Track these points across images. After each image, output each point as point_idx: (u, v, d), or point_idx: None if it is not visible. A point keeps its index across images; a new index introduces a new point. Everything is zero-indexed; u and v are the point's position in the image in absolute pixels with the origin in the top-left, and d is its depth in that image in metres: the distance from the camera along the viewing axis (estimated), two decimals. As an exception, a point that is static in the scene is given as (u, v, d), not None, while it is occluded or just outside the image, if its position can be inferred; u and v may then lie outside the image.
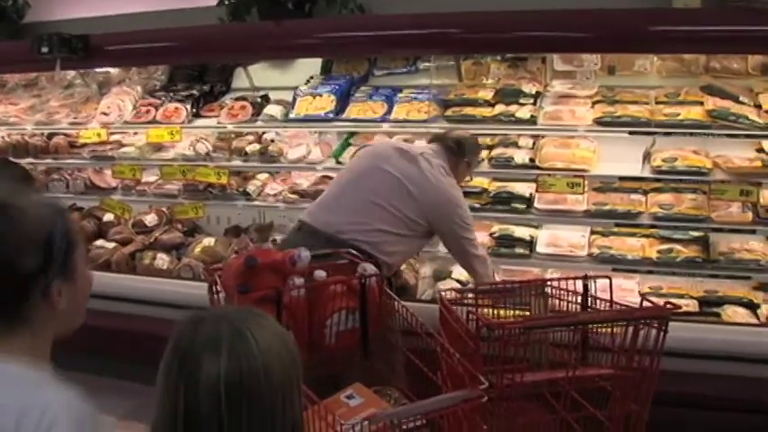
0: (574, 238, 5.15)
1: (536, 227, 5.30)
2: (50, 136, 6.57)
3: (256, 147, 5.84)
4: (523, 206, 5.11)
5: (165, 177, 6.08)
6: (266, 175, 6.08)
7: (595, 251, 4.99)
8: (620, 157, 5.13)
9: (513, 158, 5.16)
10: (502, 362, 2.91)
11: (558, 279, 3.72)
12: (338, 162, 5.63)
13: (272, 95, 6.18)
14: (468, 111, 5.28)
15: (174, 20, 5.89)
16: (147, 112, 6.24)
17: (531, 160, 5.14)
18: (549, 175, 4.97)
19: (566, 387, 3.10)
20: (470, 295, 3.80)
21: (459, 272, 5.14)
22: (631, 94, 5.19)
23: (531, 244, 5.14)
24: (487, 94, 5.37)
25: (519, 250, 5.12)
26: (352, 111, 5.57)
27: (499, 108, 5.25)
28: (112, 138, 6.37)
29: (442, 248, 5.05)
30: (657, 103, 5.09)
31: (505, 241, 5.13)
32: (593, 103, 5.18)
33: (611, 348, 3.12)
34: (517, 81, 5.49)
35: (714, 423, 4.31)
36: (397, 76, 5.95)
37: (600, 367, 3.17)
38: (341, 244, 3.94)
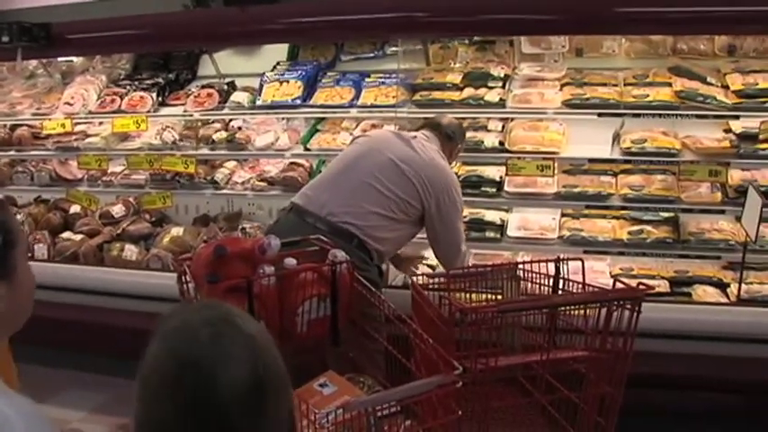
0: (544, 221, 5.15)
1: (506, 210, 5.30)
2: (13, 127, 6.47)
3: (223, 134, 5.78)
4: (493, 190, 5.10)
5: (132, 167, 6.00)
6: (234, 163, 6.02)
7: (566, 233, 4.99)
8: (590, 140, 5.12)
9: (482, 142, 5.15)
10: (476, 346, 2.89)
11: (530, 262, 3.72)
12: (306, 149, 5.58)
13: (239, 82, 6.12)
14: (437, 95, 5.25)
15: (139, 7, 5.78)
16: (112, 101, 6.15)
17: (501, 144, 5.12)
18: (519, 158, 4.96)
19: (540, 370, 3.09)
20: (442, 280, 3.79)
21: (430, 255, 5.11)
22: (600, 76, 5.19)
23: (501, 228, 5.13)
24: (456, 78, 5.34)
25: (490, 234, 5.10)
26: (320, 97, 5.53)
27: (468, 92, 5.22)
28: (77, 128, 6.26)
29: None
30: (626, 84, 5.09)
31: (476, 225, 5.11)
32: (562, 86, 5.16)
33: (585, 330, 3.12)
34: (485, 64, 5.46)
35: (686, 402, 4.35)
36: (364, 61, 5.92)
37: (574, 350, 3.16)
38: (331, 226, 3.94)
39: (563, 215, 5.22)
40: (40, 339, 4.62)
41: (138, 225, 5.97)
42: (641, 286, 3.13)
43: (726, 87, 4.88)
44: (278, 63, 6.04)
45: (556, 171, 4.97)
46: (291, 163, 5.70)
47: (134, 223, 5.98)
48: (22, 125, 6.45)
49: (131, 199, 6.24)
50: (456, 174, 5.03)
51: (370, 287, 3.39)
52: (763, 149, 4.68)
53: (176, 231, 5.77)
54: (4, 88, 6.81)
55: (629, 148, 4.89)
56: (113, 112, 6.08)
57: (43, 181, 6.35)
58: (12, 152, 6.42)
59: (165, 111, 6.11)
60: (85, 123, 6.36)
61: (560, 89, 5.14)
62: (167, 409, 1.44)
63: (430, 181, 4.08)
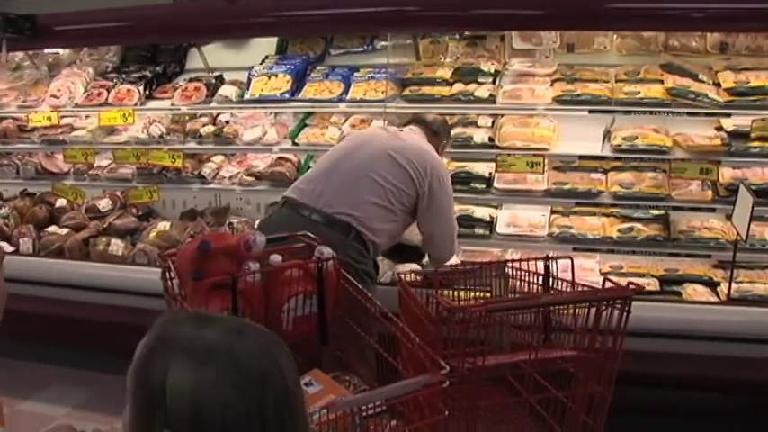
0: (534, 218, 5.12)
1: (496, 207, 5.25)
2: (-2, 120, 6.39)
3: (211, 129, 5.74)
4: (483, 186, 5.07)
5: (119, 161, 5.94)
6: (222, 158, 5.97)
7: (555, 231, 4.96)
8: (580, 136, 5.09)
9: (471, 138, 5.11)
10: (463, 345, 2.85)
11: (519, 260, 3.68)
12: (294, 143, 5.54)
13: (227, 76, 6.07)
14: (426, 90, 5.21)
15: (127, -2, 5.74)
16: (99, 94, 6.09)
17: (491, 140, 5.08)
18: (509, 154, 4.92)
19: (528, 369, 3.06)
20: (430, 277, 3.75)
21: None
22: (591, 73, 5.16)
23: (490, 224, 5.10)
24: (446, 73, 5.30)
25: (479, 231, 5.07)
26: (309, 91, 5.48)
27: (458, 87, 5.18)
28: (63, 121, 6.20)
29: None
30: (617, 81, 5.07)
31: (465, 222, 5.05)
32: (553, 82, 5.13)
33: (574, 329, 3.08)
34: (476, 60, 5.42)
35: (677, 402, 4.32)
36: (353, 55, 5.87)
37: (563, 349, 3.13)
38: (328, 218, 3.91)
39: (553, 212, 5.19)
40: (23, 334, 4.59)
41: (125, 219, 5.90)
42: (631, 285, 3.08)
43: (717, 85, 4.85)
44: (266, 57, 5.98)
45: (546, 168, 4.94)
46: (279, 158, 5.65)
47: (120, 218, 5.91)
48: (7, 118, 6.37)
49: (118, 193, 6.16)
50: (445, 170, 5.02)
51: (357, 284, 3.35)
52: (755, 148, 4.66)
53: (163, 226, 5.71)
54: (-11, 81, 6.73)
55: (619, 145, 4.86)
56: (100, 106, 6.03)
57: (29, 174, 6.29)
58: (-3, 145, 6.34)
59: (152, 104, 6.05)
60: (72, 116, 6.31)
61: (551, 85, 5.11)
62: None
63: (422, 166, 4.06)
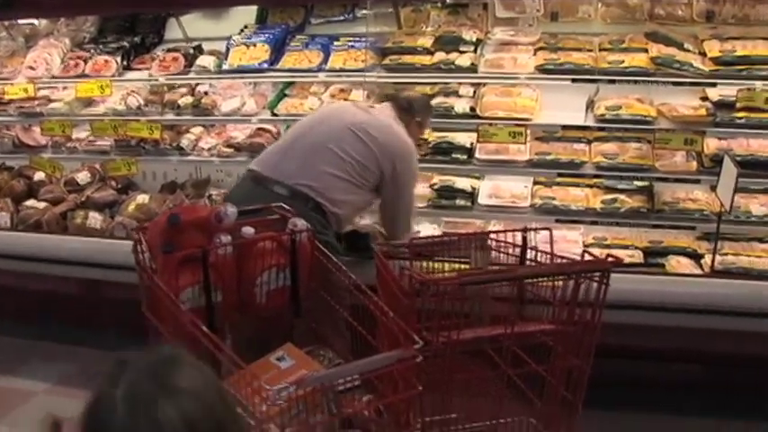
0: (516, 189, 5.06)
1: (478, 178, 5.19)
2: (-27, 93, 6.28)
3: (189, 99, 5.65)
4: (464, 157, 5.01)
5: (96, 133, 5.85)
6: (200, 129, 5.88)
7: (538, 202, 4.91)
8: (563, 106, 5.03)
9: (453, 108, 5.03)
10: (439, 318, 2.79)
11: (497, 231, 3.62)
12: (273, 114, 5.47)
13: (206, 46, 5.97)
14: (407, 59, 5.13)
15: (104, -33, 5.64)
16: (76, 65, 5.99)
17: (472, 109, 5.01)
18: (491, 124, 4.86)
19: (506, 343, 3.00)
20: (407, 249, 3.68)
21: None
22: (574, 41, 5.08)
23: (472, 195, 5.04)
24: (427, 42, 5.21)
25: (460, 202, 5.02)
26: (288, 60, 5.40)
27: (439, 56, 5.10)
28: (40, 93, 6.09)
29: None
30: (601, 50, 4.99)
31: (446, 193, 5.04)
32: (536, 51, 5.05)
33: (552, 302, 3.02)
34: (458, 28, 5.33)
35: (658, 374, 4.30)
36: (334, 24, 5.78)
37: (541, 323, 3.07)
38: (289, 188, 3.87)
39: (535, 183, 5.13)
40: (1, 309, 4.54)
41: (103, 192, 5.81)
42: (609, 258, 3.02)
43: (703, 54, 4.79)
44: (245, 26, 5.88)
45: (528, 138, 4.90)
46: (258, 128, 5.57)
47: (99, 190, 5.83)
48: (-18, 90, 6.25)
49: (97, 166, 6.07)
50: (425, 140, 4.96)
51: (332, 256, 3.30)
52: (740, 118, 4.62)
53: (142, 199, 5.63)
54: (-35, 52, 6.61)
55: (603, 115, 4.80)
56: (77, 77, 5.93)
57: (6, 148, 6.19)
58: (-27, 118, 6.23)
59: (129, 75, 5.96)
60: (49, 88, 6.19)
61: (534, 54, 5.03)
62: None
63: (386, 144, 4.02)
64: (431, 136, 5.11)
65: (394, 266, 3.24)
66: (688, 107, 4.78)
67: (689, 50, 4.78)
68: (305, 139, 4.07)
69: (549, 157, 4.88)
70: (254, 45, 5.51)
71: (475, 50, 5.12)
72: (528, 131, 4.84)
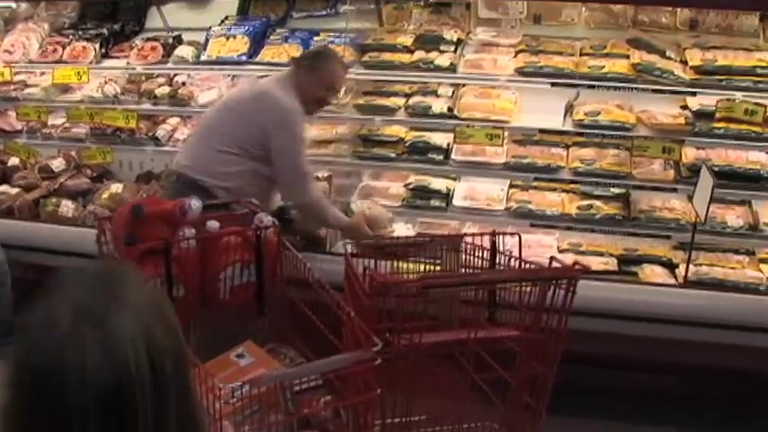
0: (492, 192, 5.02)
1: (454, 179, 5.15)
2: (-51, 75, 6.18)
3: (166, 90, 5.57)
4: (440, 157, 4.95)
5: (72, 120, 5.79)
6: (177, 120, 5.81)
7: (513, 205, 4.87)
8: (542, 109, 4.99)
9: (430, 107, 4.97)
10: (401, 321, 2.75)
11: (465, 234, 3.61)
12: (251, 107, 5.37)
13: (186, 36, 5.89)
14: (387, 56, 5.07)
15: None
16: (54, 51, 5.92)
17: (450, 110, 4.95)
18: (468, 125, 4.80)
19: (471, 347, 2.96)
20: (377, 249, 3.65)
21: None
22: (556, 45, 5.03)
23: (447, 196, 5.00)
24: (407, 40, 5.16)
25: (435, 203, 4.98)
26: (267, 54, 5.32)
27: (418, 54, 5.05)
28: (17, 78, 5.99)
29: (355, 199, 4.95)
30: (582, 54, 4.94)
31: (421, 193, 5.00)
32: (517, 53, 4.99)
33: (519, 308, 2.98)
34: (439, 27, 5.27)
35: (626, 383, 4.29)
36: (316, 18, 5.70)
37: (507, 328, 3.03)
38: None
39: (511, 186, 5.08)
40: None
41: (77, 180, 5.75)
42: (577, 266, 2.98)
43: (684, 63, 4.75)
44: (226, 17, 5.81)
45: (505, 140, 4.85)
46: (235, 121, 5.48)
47: (72, 178, 5.76)
48: (-42, 73, 6.16)
49: (73, 153, 6.00)
50: (402, 139, 4.95)
51: (298, 254, 3.27)
52: (719, 128, 4.58)
53: (116, 188, 5.57)
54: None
55: (581, 120, 4.76)
56: (54, 62, 5.86)
57: (-20, 132, 6.10)
58: (-53, 101, 6.14)
59: (107, 63, 5.89)
60: (26, 73, 6.09)
61: (515, 56, 4.98)
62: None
63: (259, 111, 4.17)
64: (407, 135, 5.08)
65: (359, 266, 3.19)
66: (668, 115, 4.75)
67: (671, 58, 4.75)
68: (200, 125, 4.45)
69: (525, 161, 4.84)
70: (234, 37, 5.44)
71: (455, 50, 5.06)
72: (505, 134, 4.79)
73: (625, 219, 4.76)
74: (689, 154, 4.72)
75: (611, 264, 4.64)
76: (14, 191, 5.69)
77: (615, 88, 4.73)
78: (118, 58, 5.88)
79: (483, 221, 4.80)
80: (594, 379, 4.10)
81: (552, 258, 3.15)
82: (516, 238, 3.41)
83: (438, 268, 3.58)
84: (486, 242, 3.44)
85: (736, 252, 4.75)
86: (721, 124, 4.58)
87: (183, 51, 5.59)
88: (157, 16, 6.24)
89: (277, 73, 4.47)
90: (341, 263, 3.36)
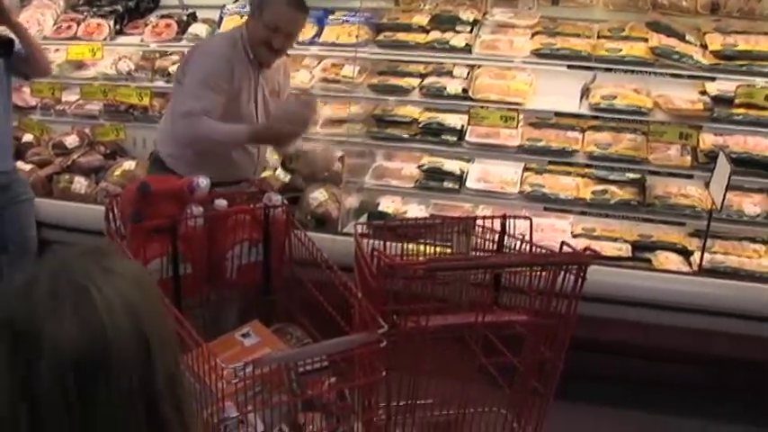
0: (506, 175, 4.96)
1: (467, 161, 5.10)
2: (-37, 52, 6.17)
3: (180, 67, 5.54)
4: (454, 138, 4.90)
5: (86, 97, 5.80)
6: (190, 98, 5.77)
7: (527, 189, 4.82)
8: (558, 92, 4.92)
9: (445, 88, 4.92)
10: (408, 303, 2.71)
11: (476, 217, 3.55)
12: (264, 86, 5.33)
13: (201, 14, 5.85)
14: (401, 36, 5.02)
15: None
16: (69, 27, 5.92)
17: (464, 91, 4.90)
18: (483, 107, 4.75)
19: (479, 331, 2.92)
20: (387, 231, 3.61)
21: (386, 204, 5.01)
22: (574, 27, 4.96)
23: (461, 178, 4.95)
24: (423, 20, 5.10)
25: (448, 184, 4.93)
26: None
27: (434, 35, 4.99)
28: (31, 54, 5.99)
29: (368, 179, 4.90)
30: (600, 37, 4.88)
31: (434, 174, 4.95)
32: (533, 34, 4.93)
33: (528, 292, 2.94)
34: (455, 7, 5.20)
35: (638, 371, 4.25)
36: (332, -4, 5.63)
37: (514, 312, 2.99)
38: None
39: (525, 169, 5.02)
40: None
41: (90, 157, 5.74)
42: (588, 251, 2.93)
43: (704, 47, 4.67)
44: (241, -6, 5.76)
45: (520, 123, 4.79)
46: (248, 100, 5.46)
47: (85, 155, 5.75)
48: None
49: (86, 130, 6.00)
50: (416, 120, 4.95)
51: (306, 234, 3.22)
52: (738, 114, 4.50)
53: (128, 165, 5.57)
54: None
55: (598, 103, 4.69)
56: (69, 39, 5.86)
57: (-6, 108, 6.09)
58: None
59: (121, 40, 5.88)
60: (41, 49, 6.08)
61: (531, 37, 4.92)
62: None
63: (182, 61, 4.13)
64: (421, 116, 5.03)
65: (368, 247, 3.16)
66: (685, 100, 4.68)
67: (690, 42, 4.67)
68: None
69: (540, 144, 4.79)
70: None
71: (471, 31, 5.01)
72: (520, 116, 4.73)
73: (640, 204, 4.69)
74: (706, 140, 4.64)
75: (625, 250, 4.60)
76: (28, 167, 5.68)
77: (633, 72, 4.66)
78: (132, 35, 5.87)
79: (496, 204, 4.75)
80: (604, 366, 4.06)
81: (563, 243, 3.10)
82: (528, 221, 3.38)
83: (449, 250, 3.54)
84: (497, 225, 3.39)
85: (753, 240, 4.67)
86: (740, 110, 4.50)
87: (198, 29, 5.56)
88: (173, -7, 6.19)
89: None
90: (352, 244, 3.34)
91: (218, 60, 3.82)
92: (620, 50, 4.66)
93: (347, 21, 5.19)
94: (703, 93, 4.73)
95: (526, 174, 4.98)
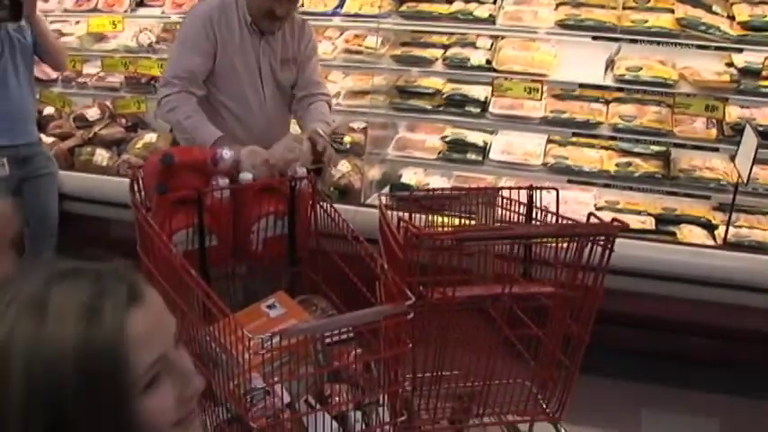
0: (529, 146, 4.93)
1: (491, 132, 5.07)
2: (-16, 25, 6.17)
3: (201, 39, 5.52)
4: (478, 110, 4.87)
5: (107, 69, 5.79)
6: (212, 69, 5.75)
7: (551, 161, 4.79)
8: (582, 64, 4.87)
9: (468, 59, 4.89)
10: (434, 274, 2.70)
11: (501, 188, 3.52)
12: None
13: (223, -16, 5.80)
14: (424, 7, 4.99)
15: None
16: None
17: (488, 62, 4.87)
18: (506, 78, 4.71)
19: (505, 302, 2.90)
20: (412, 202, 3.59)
21: (409, 176, 5.00)
22: (599, -3, 4.90)
23: (484, 150, 4.92)
24: (446, -10, 5.06)
25: (471, 156, 4.90)
26: (303, 3, 5.21)
27: (457, 5, 4.96)
28: (52, 27, 5.91)
29: (391, 151, 4.87)
30: (625, 8, 4.82)
31: (458, 146, 4.92)
32: (558, 5, 4.88)
33: (554, 264, 2.92)
34: (479, -22, 5.16)
35: (663, 344, 4.22)
36: (353, -34, 5.58)
37: (541, 284, 2.97)
38: None
39: (549, 141, 5.00)
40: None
41: (111, 129, 5.75)
42: (615, 222, 2.90)
43: (731, 18, 4.61)
44: (264, -34, 5.70)
45: (544, 94, 4.75)
46: (270, 72, 5.43)
47: (107, 127, 5.76)
48: (-6, 21, 6.14)
49: (108, 102, 6.00)
50: (439, 91, 4.92)
51: (332, 205, 3.20)
52: (765, 87, 4.45)
53: (150, 137, 5.57)
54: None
55: (622, 75, 4.65)
56: (89, 11, 5.84)
57: (16, 81, 6.09)
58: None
59: (142, 11, 5.86)
60: (61, 22, 6.10)
61: (555, 8, 4.87)
62: None
63: None
64: (445, 87, 5.01)
65: (393, 218, 3.14)
66: (712, 72, 4.62)
67: (717, 13, 4.61)
68: None
69: (564, 116, 4.75)
70: (269, -15, 5.34)
71: (495, 1, 4.97)
72: (544, 88, 4.69)
73: (664, 177, 4.66)
74: (732, 113, 4.59)
75: (649, 223, 4.56)
76: (50, 140, 5.69)
77: (658, 43, 4.59)
78: (152, 6, 5.82)
79: (519, 176, 4.72)
80: (628, 338, 4.04)
81: (590, 214, 3.08)
82: (554, 193, 3.34)
83: (473, 222, 3.53)
84: (523, 196, 3.35)
85: (779, 215, 4.63)
86: (768, 83, 4.44)
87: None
88: (193, -36, 6.15)
89: None
90: (375, 215, 3.32)
91: (196, 21, 3.73)
92: (646, 21, 4.61)
93: (370, -9, 5.14)
94: (730, 64, 4.66)
95: (550, 146, 4.95)
